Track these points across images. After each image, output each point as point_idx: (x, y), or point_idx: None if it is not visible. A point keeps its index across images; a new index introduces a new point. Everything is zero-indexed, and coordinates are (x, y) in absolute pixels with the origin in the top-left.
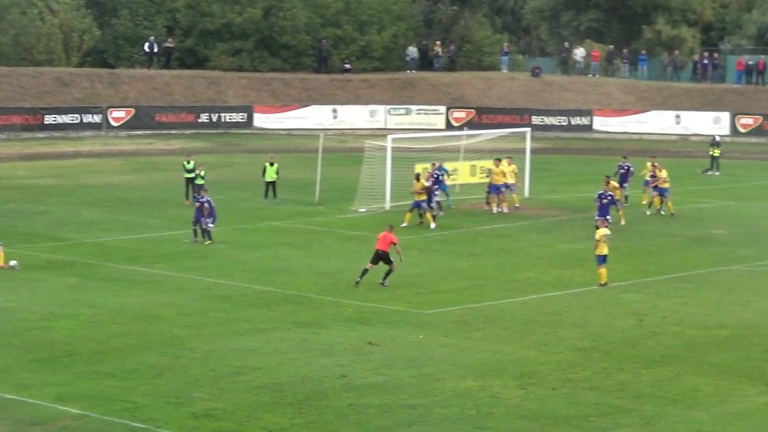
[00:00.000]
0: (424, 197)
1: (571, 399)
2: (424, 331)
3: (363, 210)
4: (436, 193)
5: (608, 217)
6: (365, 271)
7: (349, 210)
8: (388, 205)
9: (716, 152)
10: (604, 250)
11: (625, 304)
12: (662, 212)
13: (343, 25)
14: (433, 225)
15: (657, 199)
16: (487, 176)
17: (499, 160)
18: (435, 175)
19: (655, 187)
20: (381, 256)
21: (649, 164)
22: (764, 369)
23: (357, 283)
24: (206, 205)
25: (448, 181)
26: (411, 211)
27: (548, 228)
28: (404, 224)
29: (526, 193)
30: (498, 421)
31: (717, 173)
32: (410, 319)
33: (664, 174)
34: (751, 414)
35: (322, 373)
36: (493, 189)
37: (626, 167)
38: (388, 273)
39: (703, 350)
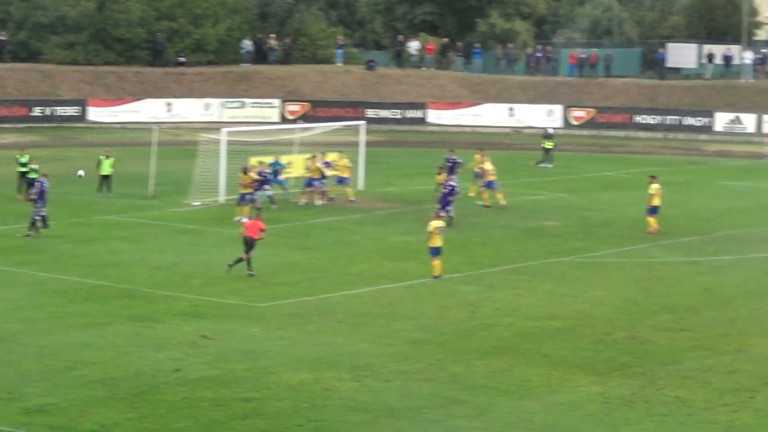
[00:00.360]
0: (250, 190)
1: (404, 391)
2: (258, 325)
3: (197, 203)
4: (267, 187)
5: (449, 208)
6: (239, 260)
7: (183, 203)
8: (222, 198)
9: (549, 144)
10: (437, 242)
11: (459, 296)
12: (489, 205)
13: (177, 19)
14: (244, 218)
15: (486, 194)
16: (307, 170)
17: (314, 156)
18: (262, 173)
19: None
20: (249, 243)
21: (477, 156)
22: (595, 359)
23: (228, 269)
24: (41, 186)
25: (282, 176)
26: (239, 204)
27: (382, 221)
28: (237, 218)
29: (361, 186)
30: (332, 414)
31: (550, 165)
32: (245, 313)
33: (488, 166)
34: (583, 404)
35: (156, 368)
36: (307, 183)
37: (453, 160)
38: (239, 260)
39: (536, 341)
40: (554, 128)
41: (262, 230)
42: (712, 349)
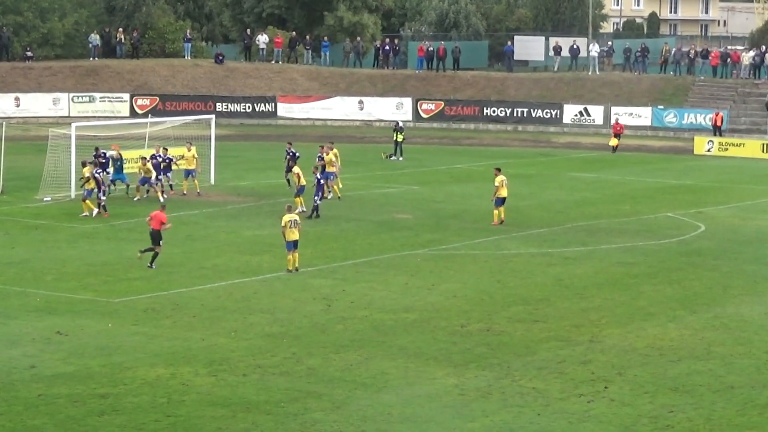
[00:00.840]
0: (92, 185)
1: (261, 384)
2: (112, 320)
3: (48, 199)
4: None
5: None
6: (151, 251)
7: (33, 199)
8: (73, 193)
9: (399, 137)
10: (293, 235)
11: (314, 290)
12: (329, 197)
13: (23, 12)
14: (91, 213)
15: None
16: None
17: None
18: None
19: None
20: (154, 235)
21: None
22: (451, 351)
23: (140, 254)
24: None
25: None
26: (84, 200)
27: (235, 214)
28: (84, 213)
29: (212, 180)
30: (189, 409)
31: (401, 158)
32: (98, 308)
33: (330, 158)
34: (440, 396)
35: (10, 364)
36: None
37: (291, 153)
38: (154, 256)
39: (391, 334)
40: (404, 121)
41: (163, 223)
42: (566, 340)
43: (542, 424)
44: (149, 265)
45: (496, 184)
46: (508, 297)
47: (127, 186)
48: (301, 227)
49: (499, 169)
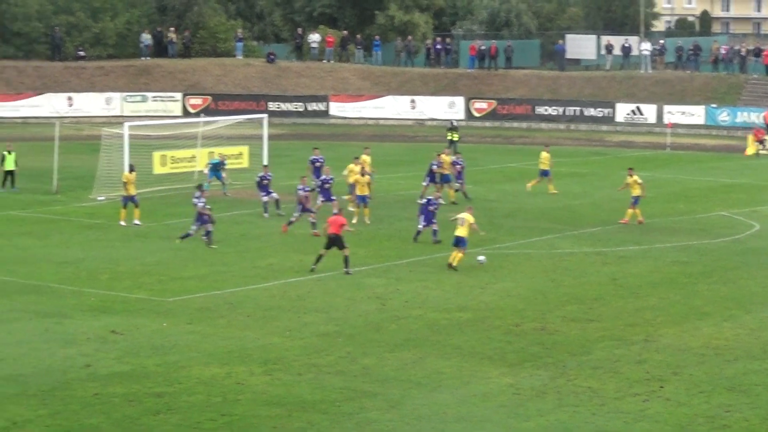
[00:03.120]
0: (131, 191)
1: (316, 384)
2: (167, 319)
3: (102, 198)
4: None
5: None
6: (320, 257)
7: (87, 198)
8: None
9: (454, 137)
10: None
11: (368, 289)
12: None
13: (75, 12)
14: (130, 222)
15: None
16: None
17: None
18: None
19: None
20: (333, 240)
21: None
22: (506, 350)
23: (312, 270)
24: None
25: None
26: (126, 206)
27: (289, 213)
28: (122, 222)
29: None
30: (244, 408)
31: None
32: (153, 307)
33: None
34: (494, 395)
35: (65, 363)
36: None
37: (318, 159)
38: (346, 259)
39: (446, 333)
40: (457, 120)
41: (343, 225)
42: (621, 339)
43: (597, 424)
44: (346, 270)
45: (629, 182)
46: (563, 296)
47: (224, 184)
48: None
49: (632, 169)
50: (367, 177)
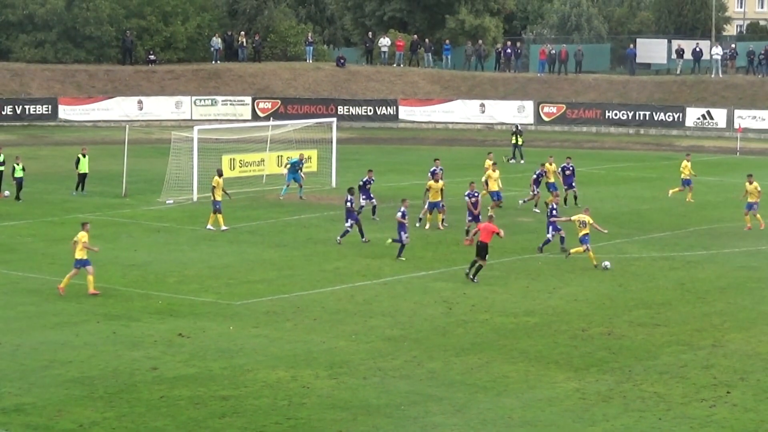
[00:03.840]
0: (219, 196)
1: (382, 388)
2: (234, 323)
3: (170, 201)
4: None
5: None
6: (477, 265)
7: (156, 202)
8: (195, 196)
9: (519, 141)
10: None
11: (435, 293)
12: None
13: (146, 16)
14: (218, 228)
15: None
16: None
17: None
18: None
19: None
20: (483, 248)
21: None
22: (572, 355)
23: (467, 275)
24: None
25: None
26: (215, 212)
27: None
28: (209, 227)
29: (333, 184)
30: (310, 411)
31: (522, 161)
32: (220, 311)
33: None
34: (560, 399)
35: (132, 366)
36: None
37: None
38: (477, 269)
39: (512, 337)
40: (525, 124)
41: (495, 233)
42: (688, 344)
43: (664, 429)
44: (472, 278)
45: (749, 190)
46: (630, 301)
47: (300, 187)
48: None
49: (751, 176)
50: (441, 183)
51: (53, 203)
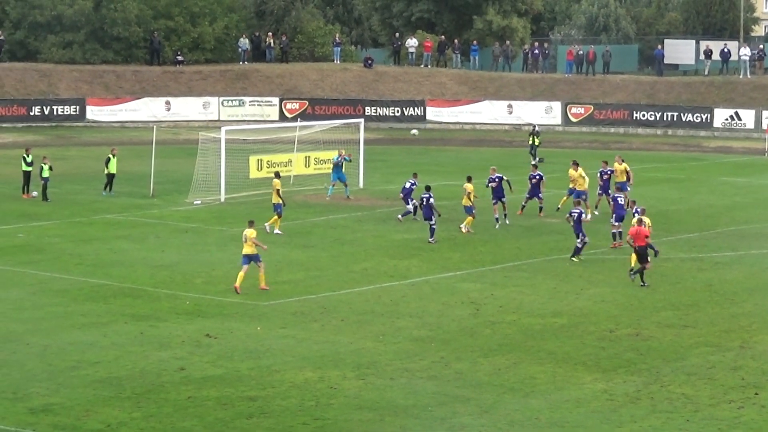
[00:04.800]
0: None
1: (409, 389)
2: (261, 323)
3: (198, 202)
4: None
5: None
6: (641, 270)
7: (184, 202)
8: (223, 197)
9: (536, 141)
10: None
11: (462, 294)
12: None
13: (174, 17)
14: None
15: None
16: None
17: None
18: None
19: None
20: (642, 252)
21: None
22: (599, 356)
23: (634, 280)
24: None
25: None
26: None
27: (384, 218)
28: (270, 229)
29: (361, 185)
30: (337, 412)
31: (537, 161)
32: (247, 311)
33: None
34: (588, 401)
35: (160, 366)
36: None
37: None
38: (641, 271)
39: (540, 338)
40: (553, 125)
41: (646, 237)
42: (716, 346)
43: (691, 431)
44: (642, 283)
45: None
46: (658, 302)
47: (346, 186)
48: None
49: None
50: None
51: (81, 204)
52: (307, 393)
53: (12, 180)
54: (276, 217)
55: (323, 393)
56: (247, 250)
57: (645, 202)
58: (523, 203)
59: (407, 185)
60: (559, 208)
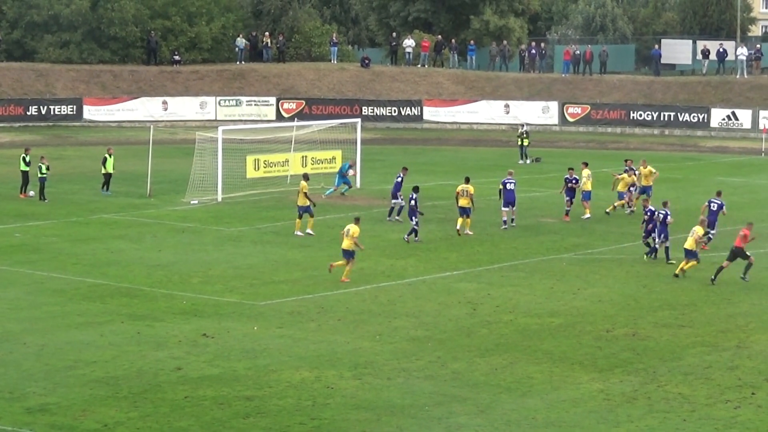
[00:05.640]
0: (305, 202)
1: (406, 388)
2: (258, 323)
3: (195, 202)
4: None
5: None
6: (720, 268)
7: (180, 202)
8: (220, 197)
9: (525, 142)
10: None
11: (459, 294)
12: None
13: (171, 17)
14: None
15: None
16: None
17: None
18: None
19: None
20: (737, 253)
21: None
22: (596, 356)
23: (712, 280)
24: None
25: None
26: (312, 216)
27: (380, 218)
28: (308, 231)
29: (358, 184)
30: (334, 412)
31: (527, 161)
32: (244, 311)
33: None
34: (585, 400)
35: (157, 366)
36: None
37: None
38: (747, 267)
39: (537, 338)
40: (550, 125)
41: (746, 236)
42: (712, 345)
43: (688, 430)
44: (742, 277)
45: None
46: (654, 302)
47: (349, 187)
48: None
49: None
50: (472, 189)
51: (78, 203)
52: (303, 393)
53: (9, 180)
54: (310, 218)
55: (320, 393)
56: (346, 245)
57: (641, 202)
58: (567, 208)
59: (396, 180)
60: (608, 212)
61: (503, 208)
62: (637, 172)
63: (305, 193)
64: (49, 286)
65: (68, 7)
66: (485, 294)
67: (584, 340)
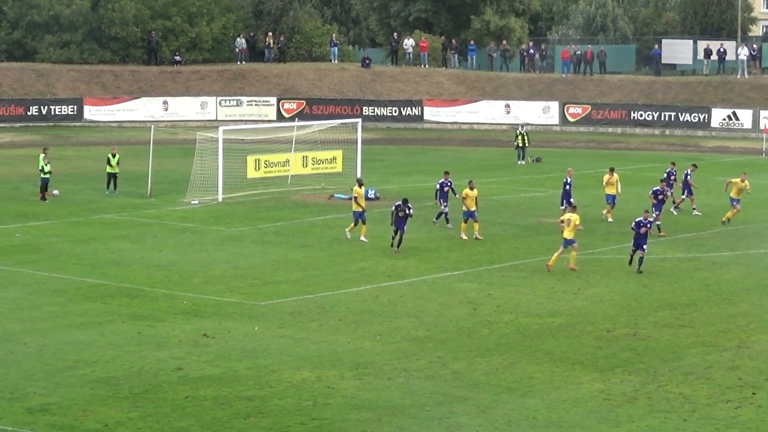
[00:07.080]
0: (358, 207)
1: (407, 388)
2: (259, 323)
3: (195, 202)
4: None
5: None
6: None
7: (181, 202)
8: (220, 197)
9: (522, 142)
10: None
11: (459, 294)
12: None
13: (172, 17)
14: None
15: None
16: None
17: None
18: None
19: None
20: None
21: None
22: (597, 356)
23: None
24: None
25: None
26: (365, 223)
27: (381, 218)
28: (362, 238)
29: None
30: (335, 412)
31: (526, 161)
32: (245, 311)
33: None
34: (585, 400)
35: (157, 366)
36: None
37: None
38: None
39: (537, 338)
40: (550, 125)
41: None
42: (713, 345)
43: (689, 430)
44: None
45: None
46: (655, 302)
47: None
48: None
49: None
50: (475, 191)
51: (79, 203)
52: (304, 393)
53: (8, 179)
54: (363, 225)
55: (320, 393)
56: (568, 234)
57: (642, 202)
58: (675, 205)
59: (438, 185)
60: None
61: (563, 210)
62: (674, 170)
63: (355, 198)
64: (49, 286)
65: (69, 7)
66: (486, 294)
67: (585, 340)
